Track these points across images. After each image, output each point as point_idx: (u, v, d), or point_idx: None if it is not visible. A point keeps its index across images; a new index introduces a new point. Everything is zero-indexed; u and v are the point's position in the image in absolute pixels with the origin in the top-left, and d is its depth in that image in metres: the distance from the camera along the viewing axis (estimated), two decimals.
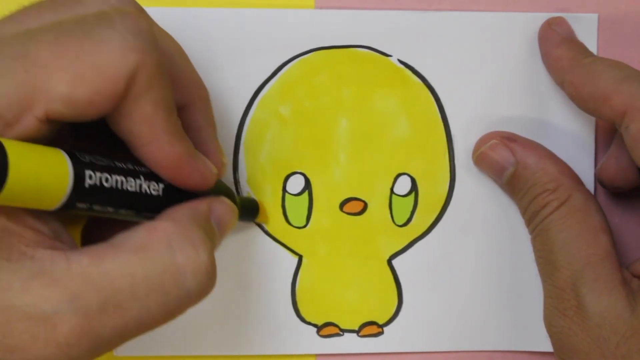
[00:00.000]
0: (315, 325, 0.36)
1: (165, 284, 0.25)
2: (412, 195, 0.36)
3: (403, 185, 0.36)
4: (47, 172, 0.24)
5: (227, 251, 0.36)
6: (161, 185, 0.28)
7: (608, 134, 0.36)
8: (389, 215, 0.36)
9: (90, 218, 0.31)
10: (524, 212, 0.35)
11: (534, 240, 0.34)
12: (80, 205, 0.25)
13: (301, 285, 0.36)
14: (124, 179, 0.27)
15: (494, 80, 0.36)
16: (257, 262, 0.36)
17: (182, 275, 0.26)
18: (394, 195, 0.36)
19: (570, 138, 0.36)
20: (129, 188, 0.27)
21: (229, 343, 0.36)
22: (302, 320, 0.36)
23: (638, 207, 0.37)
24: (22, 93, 0.24)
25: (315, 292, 0.36)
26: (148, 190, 0.28)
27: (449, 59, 0.36)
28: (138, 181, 0.27)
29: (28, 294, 0.23)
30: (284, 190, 0.36)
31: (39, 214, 0.25)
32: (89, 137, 0.29)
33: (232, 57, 0.35)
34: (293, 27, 0.35)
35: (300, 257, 0.36)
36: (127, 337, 0.25)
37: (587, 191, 0.34)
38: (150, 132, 0.26)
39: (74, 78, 0.24)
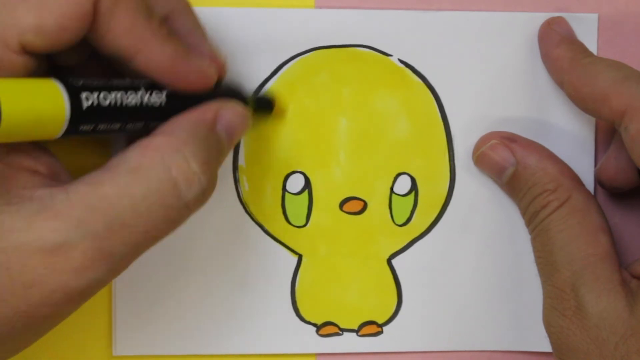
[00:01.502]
0: (314, 325, 0.36)
1: (163, 198, 0.26)
2: (412, 194, 0.36)
3: (403, 185, 0.36)
4: (41, 102, 0.24)
5: (227, 250, 0.36)
6: (163, 93, 0.28)
7: (608, 134, 0.36)
8: (389, 215, 0.36)
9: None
10: (524, 212, 0.35)
11: (534, 241, 0.34)
12: (84, 127, 0.26)
13: (301, 284, 0.36)
14: (123, 93, 0.27)
15: (494, 80, 0.36)
16: (257, 261, 0.36)
17: (178, 188, 0.26)
18: (393, 195, 0.36)
19: (570, 138, 0.36)
20: (130, 102, 0.27)
21: (228, 342, 0.36)
22: (302, 319, 0.36)
23: (638, 207, 0.37)
24: None
25: (315, 291, 0.36)
26: (151, 100, 0.28)
27: (449, 59, 0.36)
28: (139, 93, 0.27)
29: (34, 230, 0.24)
30: (284, 189, 0.36)
31: (35, 154, 0.26)
32: (92, 73, 0.29)
33: (232, 57, 0.35)
34: (293, 27, 0.35)
35: (300, 257, 0.36)
36: (138, 252, 0.27)
37: (587, 191, 0.34)
38: (135, 41, 0.27)
39: (38, 7, 0.25)
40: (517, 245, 0.36)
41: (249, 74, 0.35)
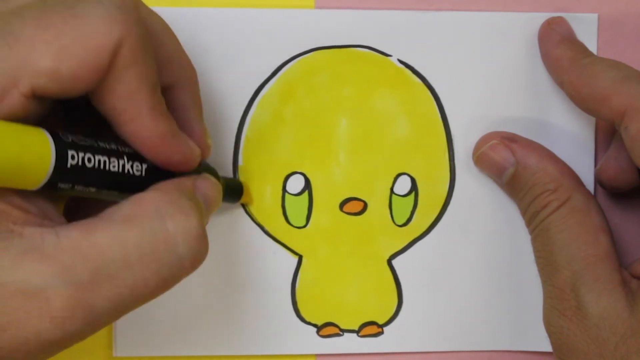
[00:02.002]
0: (315, 325, 0.36)
1: (157, 251, 0.25)
2: (412, 195, 0.36)
3: (403, 185, 0.36)
4: (29, 152, 0.24)
5: (227, 251, 0.36)
6: (144, 166, 0.28)
7: (608, 134, 0.36)
8: (389, 215, 0.36)
9: (72, 198, 0.30)
10: (524, 212, 0.35)
11: (534, 241, 0.34)
12: (63, 185, 0.25)
13: (301, 285, 0.36)
14: (107, 159, 0.27)
15: (494, 80, 0.36)
16: (257, 262, 0.36)
17: (173, 241, 0.26)
18: (393, 195, 0.36)
19: (570, 138, 0.36)
20: (112, 168, 0.27)
21: (228, 343, 0.36)
22: (302, 320, 0.36)
23: (638, 207, 0.37)
24: (7, 69, 0.24)
25: (315, 292, 0.36)
26: (131, 171, 0.28)
27: (449, 59, 0.36)
28: (121, 161, 0.27)
29: (19, 270, 0.23)
30: (284, 190, 0.36)
31: (26, 194, 0.25)
32: (75, 119, 0.29)
33: (232, 57, 0.35)
34: (293, 27, 0.35)
35: (300, 257, 0.36)
36: (122, 309, 0.25)
37: (588, 191, 0.34)
38: (133, 108, 0.26)
39: (58, 52, 0.24)
40: (517, 245, 0.36)
41: (249, 74, 0.35)
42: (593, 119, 0.36)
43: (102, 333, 0.36)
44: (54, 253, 0.24)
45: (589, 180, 0.36)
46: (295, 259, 0.36)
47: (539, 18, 0.36)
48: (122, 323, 0.35)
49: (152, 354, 0.36)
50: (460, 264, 0.36)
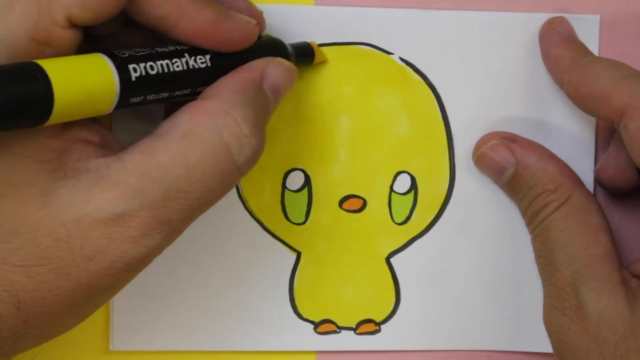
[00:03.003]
0: (312, 322, 0.36)
1: (217, 163, 0.27)
2: (412, 193, 0.36)
3: (403, 183, 0.36)
4: (91, 78, 0.24)
5: (226, 246, 0.36)
6: (207, 56, 0.28)
7: (608, 134, 0.36)
8: (388, 213, 0.36)
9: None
10: (524, 212, 0.35)
11: (534, 241, 0.34)
12: (134, 99, 0.26)
13: (299, 282, 0.36)
14: (168, 61, 0.27)
15: (495, 80, 0.36)
16: (256, 258, 0.36)
17: (230, 151, 0.27)
18: (393, 193, 0.36)
19: (570, 138, 0.36)
20: (176, 68, 0.27)
21: (226, 338, 0.36)
22: (300, 317, 0.36)
23: (638, 207, 0.36)
24: (41, 8, 0.24)
25: (313, 289, 0.36)
26: (196, 64, 0.28)
27: (450, 58, 0.36)
28: (183, 59, 0.28)
29: (92, 202, 0.24)
30: (284, 186, 0.36)
31: (87, 124, 0.26)
32: (129, 41, 0.30)
33: None
34: (293, 24, 0.35)
35: (299, 254, 0.36)
36: (194, 217, 0.27)
37: (588, 191, 0.34)
38: (175, 8, 0.27)
39: None
40: (516, 244, 0.36)
41: None
42: (593, 119, 0.36)
43: (99, 327, 0.36)
44: (123, 179, 0.25)
45: (588, 180, 0.36)
46: (293, 256, 0.36)
47: (540, 18, 0.36)
48: (119, 317, 0.35)
49: (148, 348, 0.36)
50: (458, 263, 0.36)
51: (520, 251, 0.36)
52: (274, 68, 0.30)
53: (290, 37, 0.35)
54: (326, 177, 0.36)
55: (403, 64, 0.36)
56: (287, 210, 0.36)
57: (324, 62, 0.35)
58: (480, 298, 0.36)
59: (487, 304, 0.36)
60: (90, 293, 0.25)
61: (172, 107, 0.29)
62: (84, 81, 0.24)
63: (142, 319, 0.35)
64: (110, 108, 0.25)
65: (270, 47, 0.31)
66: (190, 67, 0.28)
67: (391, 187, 0.36)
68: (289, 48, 0.33)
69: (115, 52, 0.26)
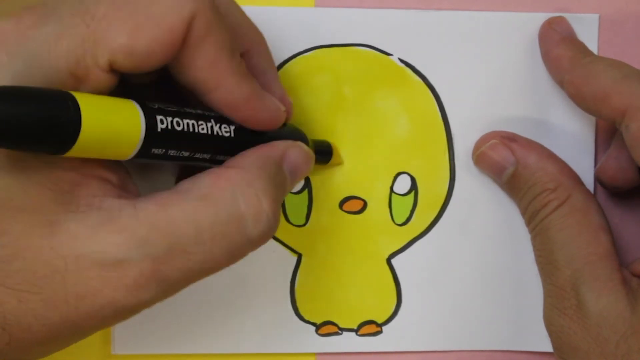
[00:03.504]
0: (314, 324, 0.36)
1: (228, 231, 0.26)
2: (412, 194, 0.36)
3: (403, 184, 0.36)
4: (119, 121, 0.24)
5: None
6: (232, 127, 0.28)
7: (608, 134, 0.36)
8: (389, 214, 0.36)
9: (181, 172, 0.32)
10: (524, 211, 0.35)
11: (534, 240, 0.34)
12: (156, 151, 0.26)
13: (300, 283, 0.36)
14: (195, 122, 0.27)
15: (494, 80, 0.36)
16: (257, 260, 0.36)
17: (244, 223, 0.26)
18: (393, 194, 0.36)
19: (570, 138, 0.36)
20: (201, 130, 0.27)
21: (227, 341, 0.36)
22: (301, 318, 0.36)
23: (638, 207, 0.37)
24: (87, 47, 0.24)
25: (314, 290, 0.36)
26: (220, 132, 0.28)
27: (449, 59, 0.36)
28: (209, 124, 0.28)
29: (96, 242, 0.24)
30: None
31: (108, 163, 0.26)
32: (158, 94, 0.30)
33: None
34: (293, 25, 0.35)
35: (300, 256, 0.36)
36: (192, 279, 0.26)
37: (587, 191, 0.34)
38: (216, 76, 0.27)
39: (132, 29, 0.25)
40: (516, 244, 0.36)
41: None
42: (593, 119, 0.36)
43: (100, 331, 0.36)
44: (131, 225, 0.25)
45: (588, 180, 0.36)
46: (294, 258, 0.36)
47: (539, 18, 0.36)
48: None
49: (150, 351, 0.36)
50: (459, 264, 0.36)
51: (521, 251, 0.36)
52: (295, 150, 0.30)
53: (291, 38, 0.35)
54: (326, 178, 0.36)
55: (402, 65, 0.36)
56: (288, 212, 0.36)
57: (339, 164, 0.36)
58: (480, 298, 0.36)
59: (487, 303, 0.36)
60: (77, 330, 0.25)
61: (188, 172, 0.29)
62: (112, 120, 0.24)
63: (143, 322, 0.35)
64: (131, 153, 0.25)
65: (293, 134, 0.32)
66: (215, 133, 0.28)
67: (391, 188, 0.36)
68: (310, 142, 0.33)
69: (146, 102, 0.26)
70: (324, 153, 0.35)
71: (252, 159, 0.28)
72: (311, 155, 0.31)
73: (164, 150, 0.26)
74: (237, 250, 0.27)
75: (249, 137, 0.29)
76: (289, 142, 0.30)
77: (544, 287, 0.34)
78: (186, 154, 0.27)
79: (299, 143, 0.31)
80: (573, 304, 0.32)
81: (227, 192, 0.26)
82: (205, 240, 0.26)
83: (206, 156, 0.28)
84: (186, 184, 0.27)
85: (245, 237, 0.27)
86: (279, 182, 0.29)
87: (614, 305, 0.31)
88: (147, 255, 0.25)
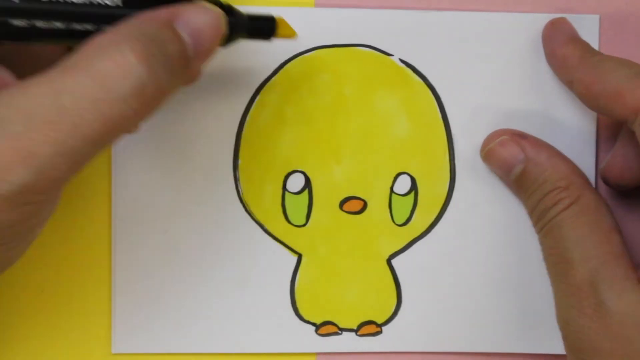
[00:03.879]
0: (313, 324, 0.36)
1: (91, 92, 0.24)
2: (412, 194, 0.36)
3: (403, 185, 0.36)
4: None
5: (227, 249, 0.36)
6: None
7: (610, 133, 0.36)
8: (389, 215, 0.36)
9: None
10: (532, 209, 0.34)
11: (544, 238, 0.34)
12: (17, 22, 0.23)
13: (300, 283, 0.36)
14: None
15: (495, 80, 0.36)
16: (257, 260, 0.36)
17: (109, 81, 0.24)
18: (393, 195, 0.36)
19: (571, 137, 0.36)
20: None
21: (227, 341, 0.36)
22: (301, 318, 0.36)
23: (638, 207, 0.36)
24: None
25: (314, 290, 0.36)
26: (103, 0, 0.25)
27: (450, 59, 0.36)
28: None
29: None
30: (284, 188, 0.36)
31: None
32: None
33: (232, 56, 0.35)
34: (293, 25, 0.35)
35: (300, 256, 0.36)
36: (69, 152, 0.24)
37: (597, 192, 0.34)
38: None
39: None
40: (517, 245, 0.36)
41: (250, 72, 0.35)
42: (595, 119, 0.36)
43: (100, 330, 0.36)
44: None
45: (590, 179, 0.35)
46: (294, 258, 0.36)
47: (540, 19, 0.36)
48: (121, 320, 0.35)
49: (150, 351, 0.36)
50: (459, 264, 0.36)
51: (522, 251, 0.36)
52: (192, 9, 0.27)
53: (292, 39, 0.35)
54: (326, 178, 0.36)
55: (403, 66, 0.36)
56: (288, 212, 0.36)
57: (291, 37, 0.32)
58: (480, 298, 0.36)
59: (488, 304, 0.36)
60: None
61: None
62: None
63: (143, 322, 0.35)
64: None
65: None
66: (95, 2, 0.25)
67: (391, 188, 0.36)
68: (241, 14, 0.29)
69: None
70: (262, 23, 0.31)
71: (130, 22, 0.26)
72: (218, 15, 0.28)
73: (28, 19, 0.24)
74: (107, 110, 0.24)
75: (138, 6, 0.26)
76: (185, 3, 0.27)
77: (556, 286, 0.33)
78: (60, 24, 0.25)
79: (201, 3, 0.27)
80: (592, 302, 0.31)
81: (90, 56, 0.25)
82: (67, 106, 0.24)
83: (89, 27, 0.25)
84: (58, 63, 0.25)
85: (115, 95, 0.24)
86: (163, 39, 0.26)
87: (636, 303, 0.30)
88: (2, 134, 0.23)
